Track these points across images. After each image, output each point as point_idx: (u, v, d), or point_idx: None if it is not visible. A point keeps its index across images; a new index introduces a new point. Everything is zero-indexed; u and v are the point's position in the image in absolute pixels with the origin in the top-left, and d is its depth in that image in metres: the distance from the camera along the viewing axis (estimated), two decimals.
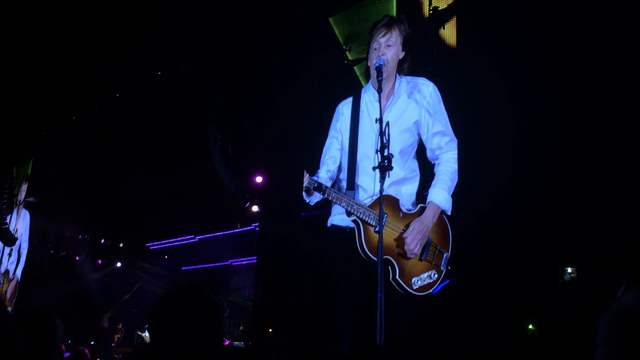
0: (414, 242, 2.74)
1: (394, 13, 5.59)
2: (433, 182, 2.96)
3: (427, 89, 3.04)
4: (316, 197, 2.96)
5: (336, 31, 6.41)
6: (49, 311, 1.78)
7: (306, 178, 2.80)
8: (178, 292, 1.61)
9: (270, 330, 6.97)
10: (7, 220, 6.14)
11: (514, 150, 4.89)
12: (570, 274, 4.84)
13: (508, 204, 4.83)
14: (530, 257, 4.70)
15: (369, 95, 3.12)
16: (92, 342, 12.21)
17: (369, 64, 3.09)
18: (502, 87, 4.96)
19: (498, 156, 4.96)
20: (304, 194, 2.94)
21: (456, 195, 4.75)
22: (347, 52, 6.07)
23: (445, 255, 2.93)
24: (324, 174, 3.13)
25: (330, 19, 6.48)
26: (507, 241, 4.72)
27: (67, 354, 5.94)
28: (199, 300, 1.58)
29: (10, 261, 6.14)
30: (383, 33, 2.98)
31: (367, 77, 3.21)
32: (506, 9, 4.93)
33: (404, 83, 3.07)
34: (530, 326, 5.06)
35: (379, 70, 2.83)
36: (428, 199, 2.90)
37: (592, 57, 4.52)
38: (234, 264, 11.44)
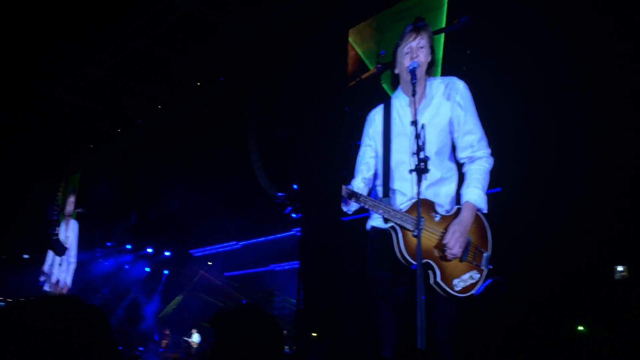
0: (456, 246, 2.72)
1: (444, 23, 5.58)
2: (466, 182, 2.93)
3: (458, 87, 3.03)
4: (354, 206, 2.97)
5: (354, 44, 6.42)
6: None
7: (342, 188, 2.82)
8: (241, 311, 1.64)
9: (314, 334, 6.98)
10: (57, 232, 6.37)
11: (562, 147, 4.79)
12: (621, 272, 4.69)
13: (555, 201, 4.73)
14: (579, 256, 4.58)
15: (399, 101, 3.12)
16: (141, 348, 12.50)
17: (396, 71, 3.10)
18: (547, 82, 4.88)
19: (545, 152, 4.87)
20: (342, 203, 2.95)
21: (504, 193, 4.70)
22: (378, 58, 6.06)
23: (485, 254, 2.88)
24: (360, 182, 3.15)
25: (350, 31, 6.51)
26: (555, 239, 4.62)
27: None
28: (262, 319, 1.60)
29: (60, 270, 6.37)
30: (413, 37, 2.98)
31: (395, 85, 3.21)
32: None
33: (435, 84, 3.07)
34: (580, 327, 4.92)
35: (414, 72, 2.83)
36: (463, 199, 2.87)
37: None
38: (275, 269, 11.53)
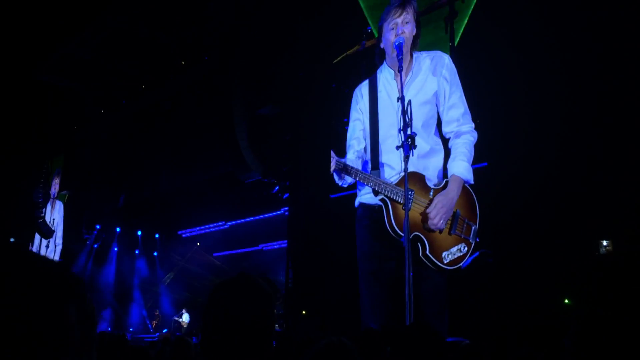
0: (437, 217, 2.73)
1: None
2: (452, 156, 2.95)
3: (444, 60, 3.06)
4: (348, 179, 2.98)
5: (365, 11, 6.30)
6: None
7: (333, 160, 2.82)
8: (230, 282, 1.63)
9: (304, 312, 7.03)
10: (43, 214, 6.33)
11: (548, 122, 4.81)
12: (606, 246, 4.75)
13: (542, 176, 4.76)
14: (565, 230, 4.63)
15: (385, 75, 3.14)
16: (132, 329, 12.53)
17: (382, 45, 3.11)
18: (533, 56, 4.88)
19: (531, 127, 4.89)
20: (335, 176, 2.96)
21: (490, 168, 4.71)
22: (363, 34, 5.98)
23: (473, 227, 2.90)
24: (352, 155, 3.15)
25: None
26: (542, 214, 4.66)
27: None
28: (250, 289, 1.59)
29: (47, 252, 6.34)
30: (399, 13, 2.98)
31: (380, 59, 3.21)
32: None
33: (421, 57, 3.09)
34: (566, 300, 5.00)
35: (399, 48, 2.84)
36: (449, 173, 2.90)
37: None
38: (264, 248, 11.56)
